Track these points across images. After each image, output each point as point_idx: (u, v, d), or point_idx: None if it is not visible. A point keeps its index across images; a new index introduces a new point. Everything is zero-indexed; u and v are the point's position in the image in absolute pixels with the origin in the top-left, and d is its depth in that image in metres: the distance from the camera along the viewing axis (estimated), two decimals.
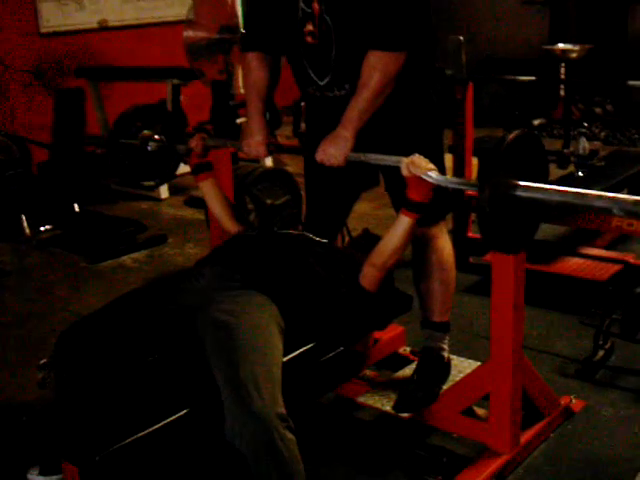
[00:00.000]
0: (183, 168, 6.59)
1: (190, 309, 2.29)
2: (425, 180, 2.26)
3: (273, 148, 2.78)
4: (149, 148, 2.95)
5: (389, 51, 2.40)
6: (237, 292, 2.32)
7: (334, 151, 2.49)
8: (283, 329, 2.28)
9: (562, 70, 4.65)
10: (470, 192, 4.49)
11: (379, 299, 2.53)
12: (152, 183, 4.38)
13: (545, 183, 2.05)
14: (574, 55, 4.68)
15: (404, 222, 2.37)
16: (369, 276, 2.46)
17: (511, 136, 2.00)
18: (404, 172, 2.29)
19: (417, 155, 2.29)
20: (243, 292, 2.33)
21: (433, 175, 2.25)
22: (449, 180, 2.35)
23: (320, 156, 2.53)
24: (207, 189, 2.82)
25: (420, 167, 2.25)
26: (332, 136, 2.50)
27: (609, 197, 1.84)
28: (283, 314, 2.31)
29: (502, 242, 2.17)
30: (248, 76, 2.78)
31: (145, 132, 2.95)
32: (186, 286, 2.40)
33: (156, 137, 2.95)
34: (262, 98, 2.74)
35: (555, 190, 1.94)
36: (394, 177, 2.54)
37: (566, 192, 1.93)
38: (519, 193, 1.97)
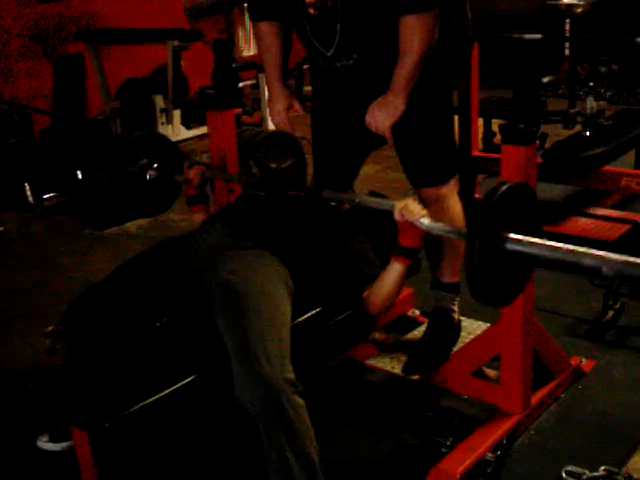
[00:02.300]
0: (185, 133, 6.65)
1: (198, 269, 2.28)
2: (417, 226, 2.24)
3: (301, 111, 2.78)
4: (148, 177, 2.92)
5: (423, 12, 2.36)
6: (246, 252, 2.30)
7: (384, 116, 2.47)
8: (292, 291, 2.26)
9: (567, 27, 4.60)
10: (476, 153, 4.49)
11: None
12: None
13: (539, 235, 2.01)
14: (579, 10, 4.61)
15: (397, 268, 2.36)
16: (370, 311, 2.46)
17: (503, 187, 1.97)
18: (397, 217, 2.26)
19: (411, 200, 2.27)
20: (252, 252, 2.31)
21: (425, 222, 2.22)
22: (440, 228, 2.30)
23: (368, 119, 2.52)
24: (199, 221, 2.80)
25: (413, 213, 2.23)
26: (382, 101, 2.48)
27: (596, 255, 1.81)
28: (292, 276, 2.29)
29: (489, 295, 2.12)
30: (261, 45, 2.76)
31: (144, 161, 2.92)
32: (194, 244, 2.38)
33: (154, 166, 2.93)
34: (278, 65, 2.73)
35: (545, 245, 1.90)
36: (403, 136, 2.53)
37: (557, 248, 1.89)
38: (509, 246, 1.94)
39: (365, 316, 2.50)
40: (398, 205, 2.25)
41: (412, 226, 2.23)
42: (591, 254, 1.80)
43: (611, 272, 1.78)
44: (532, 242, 1.90)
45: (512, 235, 1.92)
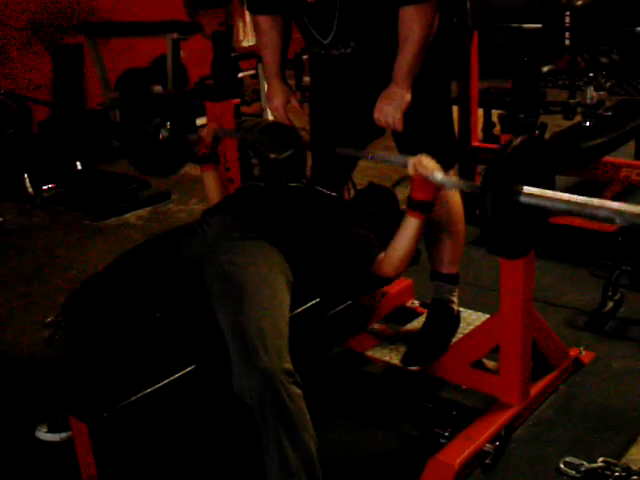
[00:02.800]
0: None
1: (197, 259, 2.28)
2: (430, 180, 2.23)
3: (298, 108, 2.80)
4: (161, 136, 2.92)
5: (422, 3, 2.35)
6: (245, 242, 2.30)
7: (392, 109, 2.47)
8: (291, 282, 2.26)
9: (567, 19, 4.59)
10: (476, 143, 4.49)
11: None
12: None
13: (551, 188, 2.01)
14: (579, 2, 4.60)
15: (412, 223, 2.32)
16: (385, 272, 2.40)
17: (516, 141, 1.96)
18: (410, 172, 2.25)
19: (424, 155, 2.25)
20: (252, 243, 2.30)
21: (439, 176, 2.22)
22: (454, 182, 2.33)
23: (377, 115, 2.51)
24: (210, 179, 2.81)
25: (427, 168, 2.22)
26: (387, 94, 2.48)
27: (612, 208, 1.81)
28: (292, 267, 2.29)
29: (504, 248, 2.12)
30: (260, 40, 2.77)
31: (157, 120, 2.91)
32: (193, 236, 2.38)
33: (168, 125, 2.92)
34: (277, 61, 2.75)
35: (559, 198, 1.90)
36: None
37: (570, 200, 1.89)
38: (522, 199, 1.93)
39: (379, 281, 2.49)
40: (411, 160, 2.24)
41: (425, 180, 2.22)
42: (605, 206, 1.80)
43: (625, 223, 1.79)
44: (546, 195, 1.90)
45: (525, 188, 1.92)
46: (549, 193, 1.91)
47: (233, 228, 2.37)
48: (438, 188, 2.26)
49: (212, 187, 2.81)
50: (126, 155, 3.06)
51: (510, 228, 2.00)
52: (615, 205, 1.81)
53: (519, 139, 1.97)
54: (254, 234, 2.34)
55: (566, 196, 1.90)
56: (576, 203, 1.87)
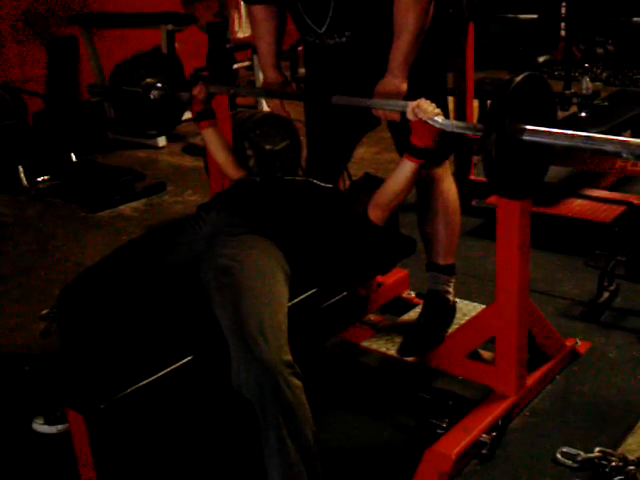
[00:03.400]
0: None
1: (193, 256, 2.27)
2: (431, 125, 2.21)
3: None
4: (151, 96, 2.90)
5: None
6: (242, 237, 2.29)
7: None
8: (289, 275, 2.25)
9: (562, 10, 4.57)
10: (472, 135, 4.47)
11: (383, 242, 2.50)
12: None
13: (553, 127, 2.00)
14: None
15: (408, 166, 2.32)
16: (373, 216, 2.42)
17: (518, 78, 1.94)
18: (409, 116, 2.23)
19: (423, 99, 2.23)
20: (248, 237, 2.29)
21: (439, 119, 2.19)
22: (455, 125, 2.29)
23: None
24: (209, 136, 2.78)
25: (427, 111, 2.20)
26: (383, 85, 2.47)
27: (619, 141, 1.80)
28: (288, 259, 2.28)
29: (509, 188, 2.11)
30: (255, 32, 2.76)
31: (148, 80, 2.89)
32: (189, 232, 2.37)
33: (158, 85, 2.89)
34: (272, 52, 2.74)
35: (563, 134, 1.89)
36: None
37: (574, 136, 1.89)
38: (526, 137, 1.92)
39: (370, 226, 2.45)
40: (411, 104, 2.22)
41: (425, 125, 2.21)
42: (611, 139, 1.80)
43: (632, 156, 1.79)
44: (549, 132, 1.89)
45: (529, 126, 1.91)
46: (553, 130, 1.89)
47: (229, 223, 2.36)
48: (438, 133, 2.23)
49: (214, 143, 2.77)
50: (119, 119, 3.03)
51: (515, 168, 1.97)
52: (621, 138, 1.80)
53: (520, 77, 1.94)
54: (250, 228, 2.33)
55: (570, 132, 1.88)
56: (581, 137, 1.85)
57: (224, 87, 3.01)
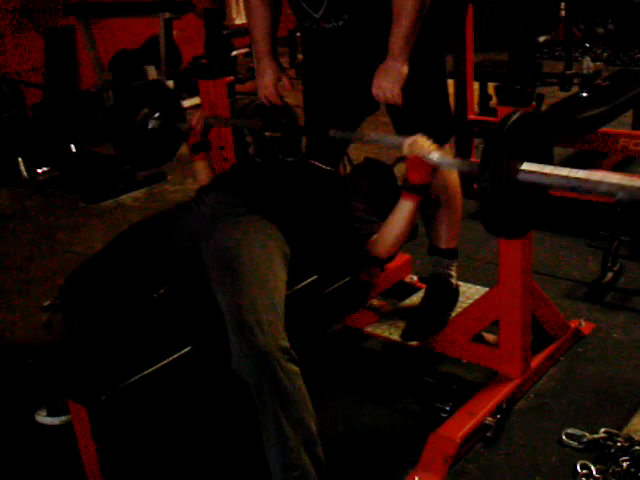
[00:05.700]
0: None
1: (194, 238, 2.26)
2: (426, 161, 2.19)
3: (288, 87, 2.74)
4: (149, 126, 2.87)
5: None
6: (242, 218, 2.27)
7: (389, 84, 2.42)
8: (288, 257, 2.24)
9: None
10: (472, 117, 4.46)
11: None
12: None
13: (549, 162, 1.98)
14: None
15: (406, 207, 2.27)
16: (377, 254, 2.37)
17: (515, 116, 1.92)
18: (405, 152, 2.20)
19: (420, 135, 2.20)
20: (248, 219, 2.28)
21: (435, 156, 2.17)
22: (451, 162, 2.27)
23: (375, 91, 2.46)
24: (200, 168, 2.75)
25: (423, 148, 2.17)
26: (383, 69, 2.43)
27: (614, 182, 1.78)
28: (289, 241, 2.27)
29: (504, 228, 2.08)
30: (250, 18, 2.73)
31: (145, 110, 2.87)
32: (189, 214, 2.36)
33: (156, 115, 2.87)
34: (267, 39, 2.71)
35: (559, 175, 1.87)
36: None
37: (570, 176, 1.86)
38: (522, 176, 1.90)
39: (373, 262, 2.43)
40: (407, 140, 2.20)
41: (421, 161, 2.18)
42: (607, 181, 1.78)
43: (627, 197, 1.76)
44: (545, 171, 1.87)
45: (525, 165, 1.89)
46: (548, 169, 1.88)
47: (229, 204, 2.34)
48: (434, 169, 2.21)
49: (202, 175, 2.75)
50: (115, 147, 3.01)
51: (510, 207, 1.96)
52: (616, 179, 1.77)
53: (516, 115, 1.93)
54: (250, 209, 2.32)
55: (565, 171, 1.86)
56: (576, 179, 1.84)
57: (222, 119, 3.02)
